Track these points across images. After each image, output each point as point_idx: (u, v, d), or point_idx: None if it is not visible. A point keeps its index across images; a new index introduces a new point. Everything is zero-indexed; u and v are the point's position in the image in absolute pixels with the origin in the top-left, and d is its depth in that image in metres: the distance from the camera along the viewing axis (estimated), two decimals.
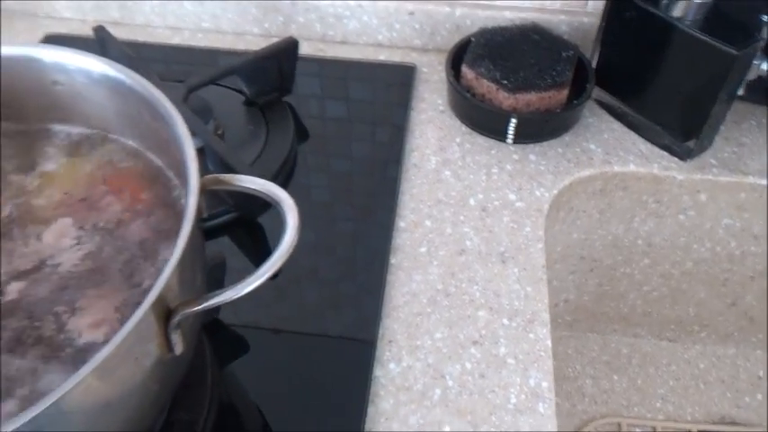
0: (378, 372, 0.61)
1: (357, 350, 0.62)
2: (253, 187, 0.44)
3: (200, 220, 0.47)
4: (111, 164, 0.54)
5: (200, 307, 0.39)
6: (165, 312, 0.39)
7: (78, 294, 0.45)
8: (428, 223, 0.73)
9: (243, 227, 0.71)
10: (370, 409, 0.58)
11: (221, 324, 0.63)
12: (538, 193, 0.77)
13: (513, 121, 0.79)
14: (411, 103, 0.86)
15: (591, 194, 0.82)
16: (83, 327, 0.43)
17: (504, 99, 0.79)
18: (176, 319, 0.39)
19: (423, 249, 0.71)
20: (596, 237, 0.89)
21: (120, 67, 0.50)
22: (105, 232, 0.49)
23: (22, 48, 0.51)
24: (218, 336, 0.62)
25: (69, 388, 0.32)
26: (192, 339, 0.45)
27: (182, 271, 0.39)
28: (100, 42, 0.81)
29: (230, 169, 0.66)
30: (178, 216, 0.50)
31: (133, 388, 0.38)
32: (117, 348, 0.35)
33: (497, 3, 0.90)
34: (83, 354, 0.42)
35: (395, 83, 0.89)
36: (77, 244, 0.48)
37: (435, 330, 0.64)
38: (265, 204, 0.45)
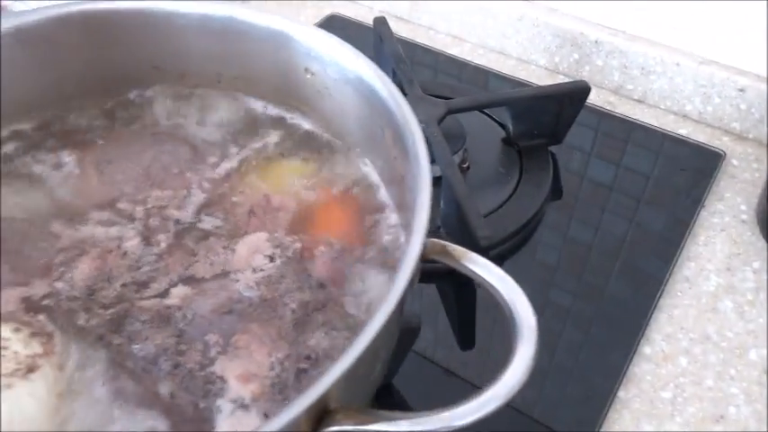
0: None
1: None
2: (489, 281, 0.31)
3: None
4: (327, 178, 0.46)
5: (364, 427, 0.28)
6: (319, 414, 0.28)
7: (239, 326, 0.37)
8: (683, 362, 0.56)
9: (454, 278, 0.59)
10: None
11: None
12: None
13: None
14: (705, 198, 0.68)
15: None
16: (229, 374, 0.34)
17: None
18: (331, 429, 0.28)
19: (666, 395, 0.54)
20: None
21: (380, 74, 0.40)
22: (292, 258, 0.41)
23: (283, 22, 0.44)
24: None
25: None
26: None
27: (357, 368, 0.28)
28: (376, 35, 0.74)
29: (462, 214, 0.55)
30: (383, 267, 0.40)
31: None
32: None
33: None
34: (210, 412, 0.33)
35: (691, 167, 0.71)
36: (270, 262, 0.40)
37: None
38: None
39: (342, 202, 0.44)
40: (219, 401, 0.34)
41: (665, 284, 0.60)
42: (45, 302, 0.38)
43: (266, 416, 0.34)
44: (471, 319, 0.58)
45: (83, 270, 0.40)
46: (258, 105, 0.49)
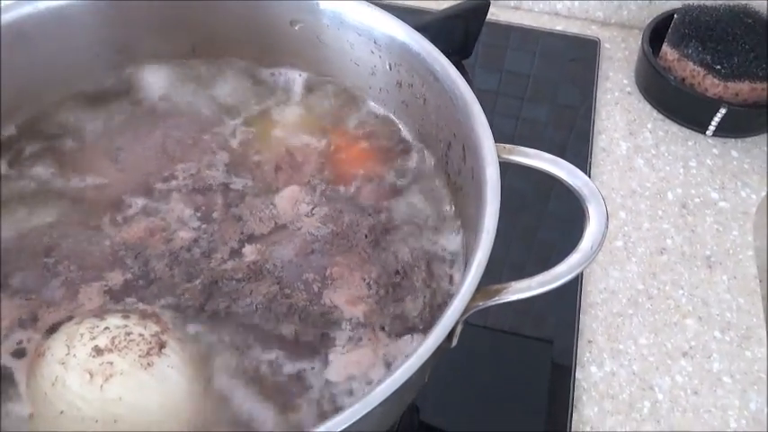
0: (578, 374, 0.56)
1: (541, 347, 0.57)
2: (554, 170, 0.38)
3: None
4: (335, 121, 0.49)
5: (499, 301, 0.34)
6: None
7: (326, 260, 0.40)
8: (622, 215, 0.67)
9: None
10: (574, 416, 0.53)
11: None
12: (743, 193, 0.69)
13: (723, 111, 0.71)
14: (596, 80, 0.79)
15: None
16: (339, 301, 0.39)
17: (712, 86, 0.72)
18: (470, 313, 0.34)
19: (618, 243, 0.65)
20: None
21: (386, 13, 0.44)
22: (339, 196, 0.45)
23: None
24: None
25: (392, 388, 0.28)
26: None
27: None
28: None
29: None
30: (417, 184, 0.45)
31: (415, 382, 0.34)
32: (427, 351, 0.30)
33: None
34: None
35: (577, 57, 0.82)
36: (314, 207, 0.44)
37: (639, 335, 0.58)
38: None
39: (355, 137, 0.48)
40: (339, 325, 0.38)
41: (590, 157, 0.71)
42: (127, 290, 0.39)
43: (383, 328, 0.39)
44: None
45: (146, 251, 0.41)
46: (247, 67, 0.50)
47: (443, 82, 0.40)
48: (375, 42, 0.45)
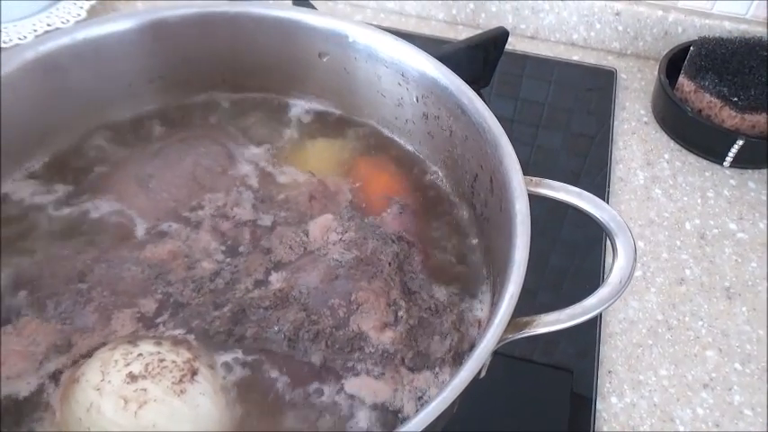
0: (599, 405, 0.56)
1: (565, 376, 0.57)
2: (579, 203, 0.38)
3: None
4: (360, 150, 0.50)
5: (528, 333, 0.34)
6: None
7: (351, 286, 0.41)
8: (641, 245, 0.67)
9: None
10: None
11: None
12: (761, 225, 0.69)
13: (740, 142, 0.72)
14: (613, 110, 0.80)
15: None
16: (365, 327, 0.39)
17: (729, 118, 0.72)
18: (502, 344, 0.34)
19: (638, 273, 0.65)
20: None
21: (413, 47, 0.45)
22: (364, 224, 0.45)
23: (293, 11, 0.47)
24: None
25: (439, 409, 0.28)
26: None
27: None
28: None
29: None
30: (439, 215, 0.46)
31: (447, 413, 0.34)
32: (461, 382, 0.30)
33: (716, 11, 0.83)
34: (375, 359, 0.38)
35: (594, 87, 0.83)
36: (343, 233, 0.44)
37: (659, 366, 0.58)
38: None
39: (379, 166, 0.48)
40: (367, 352, 0.38)
41: (608, 187, 0.72)
42: (159, 316, 0.40)
43: (403, 360, 0.39)
44: None
45: (175, 280, 0.41)
46: (273, 97, 0.51)
47: (471, 115, 0.41)
48: (403, 75, 0.46)
